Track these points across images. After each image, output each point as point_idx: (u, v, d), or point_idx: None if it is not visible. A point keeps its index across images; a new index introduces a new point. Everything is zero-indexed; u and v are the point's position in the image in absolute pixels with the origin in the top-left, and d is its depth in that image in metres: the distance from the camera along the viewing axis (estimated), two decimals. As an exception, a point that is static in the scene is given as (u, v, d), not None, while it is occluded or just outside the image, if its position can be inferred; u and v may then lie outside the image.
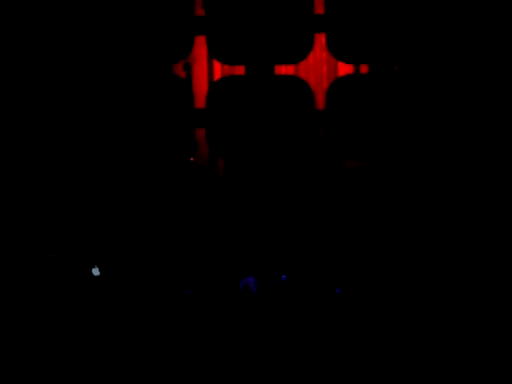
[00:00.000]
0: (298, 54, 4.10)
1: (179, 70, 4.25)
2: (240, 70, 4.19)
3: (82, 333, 3.89)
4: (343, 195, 4.14)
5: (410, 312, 3.88)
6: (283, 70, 4.27)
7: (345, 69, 4.28)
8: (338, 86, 4.13)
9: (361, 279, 4.08)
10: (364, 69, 4.22)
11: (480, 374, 3.72)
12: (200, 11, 4.16)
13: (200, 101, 4.18)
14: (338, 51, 4.11)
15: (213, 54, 4.15)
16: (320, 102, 4.17)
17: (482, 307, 3.88)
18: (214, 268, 4.12)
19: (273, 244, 4.14)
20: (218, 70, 4.33)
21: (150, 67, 4.10)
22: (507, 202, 4.03)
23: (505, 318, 3.82)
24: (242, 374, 3.80)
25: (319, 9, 4.16)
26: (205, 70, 4.32)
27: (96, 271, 4.09)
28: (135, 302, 3.99)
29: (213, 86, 4.18)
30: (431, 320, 3.87)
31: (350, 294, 4.05)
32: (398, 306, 3.90)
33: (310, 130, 4.12)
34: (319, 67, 4.32)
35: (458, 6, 4.07)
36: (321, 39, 4.22)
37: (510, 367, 3.70)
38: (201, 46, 4.21)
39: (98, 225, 4.11)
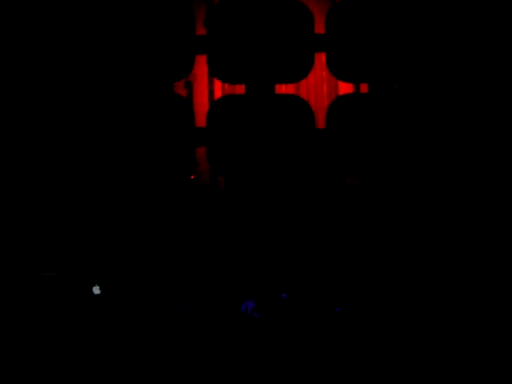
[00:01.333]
0: (299, 73, 4.12)
1: (180, 88, 4.27)
2: (241, 89, 4.21)
3: (80, 348, 3.89)
4: (344, 212, 4.15)
5: (409, 330, 3.88)
6: (283, 88, 4.29)
7: (345, 88, 4.31)
8: (338, 104, 4.14)
9: (360, 298, 4.08)
10: (364, 88, 4.24)
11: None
12: (201, 31, 4.19)
13: (201, 119, 4.19)
14: (337, 70, 4.13)
15: (213, 73, 4.17)
16: (320, 120, 4.18)
17: (481, 320, 3.88)
18: (215, 285, 4.12)
19: (274, 261, 4.15)
20: (219, 88, 4.35)
21: (152, 86, 4.11)
22: (496, 221, 4.03)
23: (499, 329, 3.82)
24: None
25: (319, 28, 4.18)
26: (205, 88, 4.35)
27: (96, 289, 4.10)
28: (135, 318, 3.99)
29: (213, 104, 4.20)
30: (431, 339, 3.87)
31: (349, 313, 4.05)
32: (397, 325, 3.90)
33: (311, 149, 4.13)
34: (319, 86, 4.35)
35: (457, 25, 4.09)
36: (321, 58, 4.24)
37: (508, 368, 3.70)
38: (202, 65, 4.24)
39: (99, 242, 4.12)
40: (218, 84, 4.34)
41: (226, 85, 4.31)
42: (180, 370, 3.86)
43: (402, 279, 4.05)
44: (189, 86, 4.28)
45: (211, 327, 3.95)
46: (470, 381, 3.74)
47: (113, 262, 4.13)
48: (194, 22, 4.14)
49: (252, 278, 4.12)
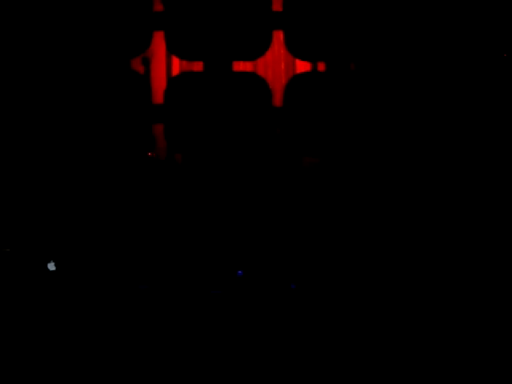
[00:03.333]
0: (256, 50, 4.12)
1: (137, 64, 4.25)
2: (198, 67, 4.20)
3: (35, 325, 3.89)
4: (300, 191, 4.18)
5: (363, 306, 3.93)
6: (241, 66, 4.29)
7: (302, 66, 4.32)
8: (295, 83, 4.16)
9: (316, 275, 4.12)
10: (321, 66, 4.26)
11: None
12: (159, 7, 4.17)
13: (158, 96, 4.19)
14: (295, 48, 4.14)
15: (171, 50, 4.16)
16: (278, 98, 4.20)
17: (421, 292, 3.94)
18: (172, 262, 4.13)
19: (230, 238, 4.17)
20: (177, 65, 4.34)
21: (108, 62, 4.10)
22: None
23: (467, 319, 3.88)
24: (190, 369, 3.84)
25: (277, 6, 4.19)
26: (163, 65, 4.33)
27: (52, 266, 4.09)
28: (92, 294, 3.99)
29: (171, 81, 4.19)
30: (383, 312, 3.92)
31: (304, 290, 4.09)
32: (351, 302, 3.95)
33: (268, 127, 4.14)
34: (277, 64, 4.35)
35: (412, 5, 4.12)
36: (279, 36, 4.25)
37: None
38: (159, 42, 4.22)
39: (55, 218, 4.11)
40: (175, 61, 4.33)
41: (184, 62, 4.30)
42: (138, 346, 3.88)
43: (357, 256, 4.10)
44: (146, 63, 4.26)
45: (169, 304, 3.98)
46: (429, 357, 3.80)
47: (69, 239, 4.12)
48: (152, -2, 4.13)
49: (209, 254, 4.14)
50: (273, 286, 4.11)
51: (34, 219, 4.11)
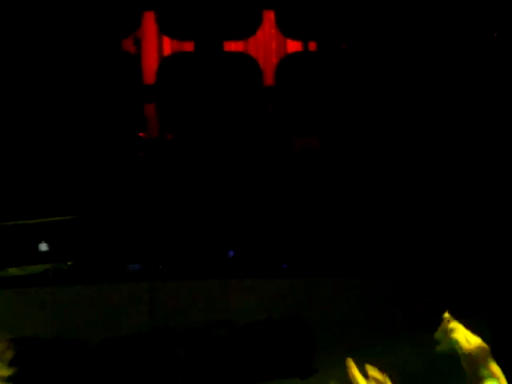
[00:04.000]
0: (247, 30, 4.13)
1: (129, 45, 4.26)
2: (189, 46, 4.21)
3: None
4: (291, 171, 4.19)
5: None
6: (233, 46, 4.30)
7: (294, 46, 4.32)
8: (286, 62, 4.16)
9: (309, 255, 4.14)
10: (312, 46, 4.27)
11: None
12: (149, -13, 4.18)
13: (150, 76, 4.19)
14: (286, 28, 4.15)
15: (162, 30, 4.17)
16: (269, 78, 4.20)
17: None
18: (163, 241, 4.15)
19: (221, 219, 4.18)
20: (168, 46, 4.35)
21: (99, 42, 4.10)
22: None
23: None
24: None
25: (268, -14, 4.19)
26: (154, 46, 4.34)
27: (44, 246, 4.11)
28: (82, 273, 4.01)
29: (163, 61, 4.20)
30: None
31: (295, 268, 4.11)
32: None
33: (259, 106, 4.15)
34: (268, 44, 4.36)
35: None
36: (270, 16, 4.25)
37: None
38: (150, 22, 4.23)
39: (46, 195, 4.12)
40: (166, 41, 4.34)
41: (175, 42, 4.30)
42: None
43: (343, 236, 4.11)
44: (138, 43, 4.26)
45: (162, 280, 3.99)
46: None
47: (60, 217, 4.13)
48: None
49: (199, 233, 4.16)
50: (265, 266, 4.13)
51: (25, 194, 4.12)
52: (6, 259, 4.08)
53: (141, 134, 4.22)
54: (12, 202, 4.06)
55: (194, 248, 4.13)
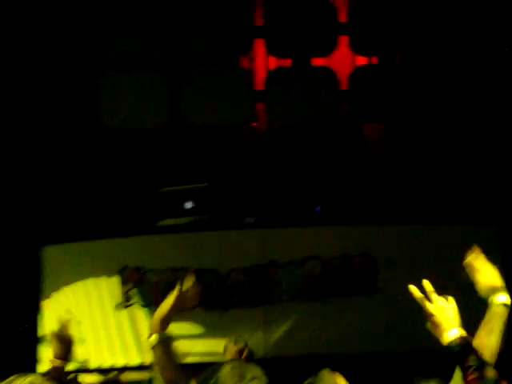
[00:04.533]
0: (327, 49, 5.83)
1: (245, 62, 5.99)
2: (288, 62, 5.93)
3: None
4: (361, 151, 5.90)
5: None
6: (319, 61, 5.98)
7: (361, 60, 5.99)
8: (356, 72, 5.86)
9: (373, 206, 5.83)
10: (374, 60, 5.94)
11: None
12: (259, 22, 5.91)
13: (259, 84, 5.92)
14: (356, 47, 5.84)
15: (269, 51, 5.90)
16: (344, 84, 5.89)
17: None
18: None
19: (312, 186, 5.90)
20: (273, 62, 6.06)
21: (220, 60, 5.83)
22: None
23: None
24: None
25: (343, 17, 5.87)
26: (263, 62, 6.06)
27: (189, 204, 5.88)
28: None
29: (270, 73, 5.92)
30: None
31: (365, 219, 5.80)
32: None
33: (337, 105, 5.87)
34: (343, 59, 6.05)
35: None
36: (344, 39, 5.92)
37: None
38: (260, 46, 5.96)
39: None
40: (271, 59, 6.04)
41: (274, 60, 5.99)
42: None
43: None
44: (251, 61, 5.99)
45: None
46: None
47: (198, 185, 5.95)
48: (253, 16, 5.86)
49: (298, 195, 5.88)
50: (342, 217, 5.81)
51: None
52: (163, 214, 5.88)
53: (254, 124, 5.98)
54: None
55: (294, 205, 5.86)
